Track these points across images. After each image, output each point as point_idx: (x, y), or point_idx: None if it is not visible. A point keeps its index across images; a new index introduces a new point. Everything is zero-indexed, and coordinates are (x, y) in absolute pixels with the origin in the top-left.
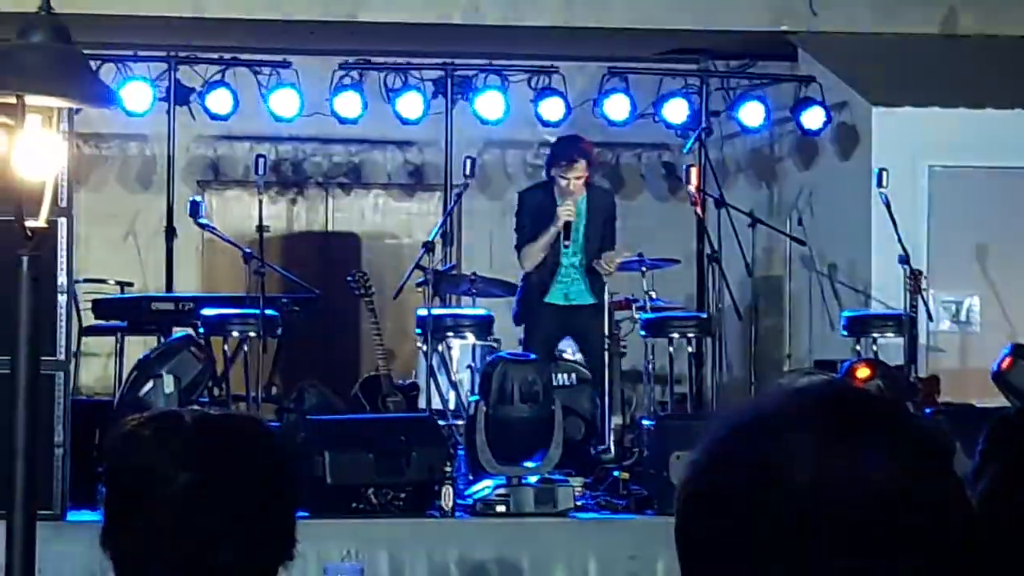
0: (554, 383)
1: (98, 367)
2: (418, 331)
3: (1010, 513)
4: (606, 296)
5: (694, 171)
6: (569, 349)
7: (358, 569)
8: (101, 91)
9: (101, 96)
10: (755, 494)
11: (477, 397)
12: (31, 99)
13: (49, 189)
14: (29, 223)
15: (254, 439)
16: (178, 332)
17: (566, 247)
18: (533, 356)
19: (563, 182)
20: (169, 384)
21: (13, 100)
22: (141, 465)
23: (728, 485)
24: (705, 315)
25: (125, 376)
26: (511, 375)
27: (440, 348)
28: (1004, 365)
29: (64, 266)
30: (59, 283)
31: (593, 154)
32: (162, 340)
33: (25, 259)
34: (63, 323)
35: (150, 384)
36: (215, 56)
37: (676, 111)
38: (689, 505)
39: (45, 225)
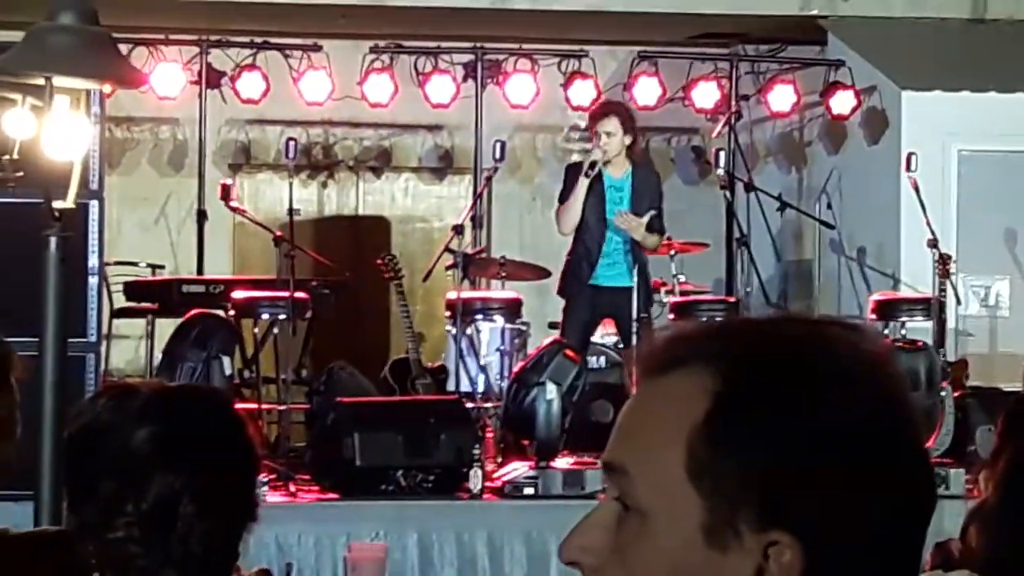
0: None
1: (130, 349)
2: (447, 314)
3: None
4: (647, 276)
5: (722, 155)
6: (599, 332)
7: (381, 548)
8: (129, 73)
9: (129, 78)
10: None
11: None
12: (59, 80)
13: (77, 171)
14: (57, 204)
15: (212, 403)
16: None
17: (586, 176)
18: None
19: (595, 140)
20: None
21: (42, 82)
22: (101, 424)
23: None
24: (733, 299)
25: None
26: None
27: (469, 331)
28: None
29: (95, 248)
30: (90, 265)
31: (627, 114)
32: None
33: (53, 240)
34: (94, 305)
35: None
36: (246, 40)
37: (706, 95)
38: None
39: (73, 206)
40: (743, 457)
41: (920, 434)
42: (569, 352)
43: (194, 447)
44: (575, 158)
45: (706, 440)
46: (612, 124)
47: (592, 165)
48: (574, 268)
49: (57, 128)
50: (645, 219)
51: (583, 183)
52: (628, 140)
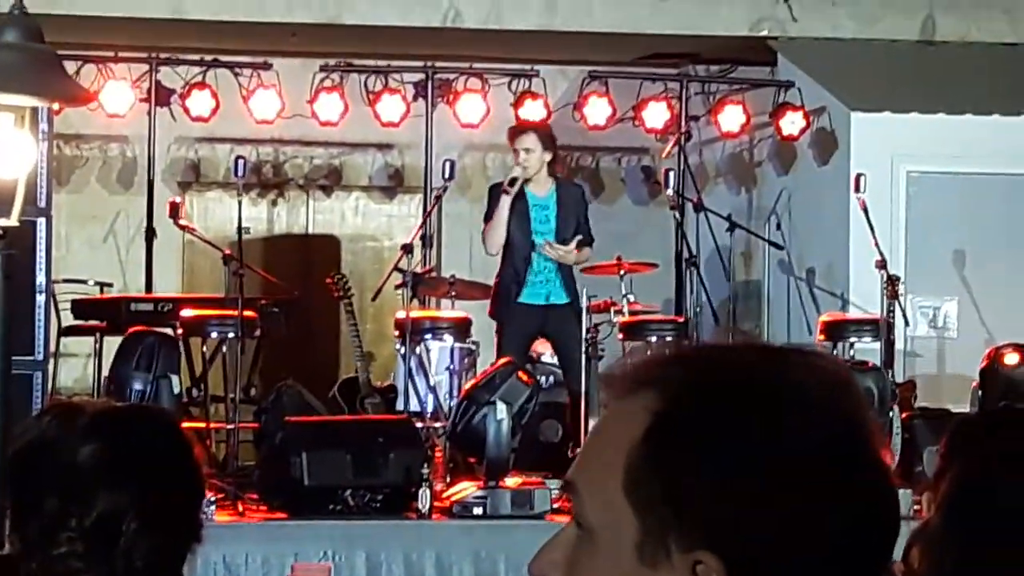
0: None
1: (78, 367)
2: (396, 333)
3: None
4: (583, 298)
5: (672, 175)
6: (547, 351)
7: (325, 568)
8: (75, 91)
9: (75, 96)
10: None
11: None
12: (2, 98)
13: (21, 188)
14: (1, 222)
15: (158, 423)
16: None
17: (506, 193)
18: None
19: (517, 156)
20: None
21: None
22: (46, 441)
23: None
24: (683, 319)
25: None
26: None
27: (418, 350)
28: None
29: (43, 266)
30: (38, 283)
31: (545, 131)
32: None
33: None
34: (41, 323)
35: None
36: (196, 58)
37: (656, 115)
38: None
39: (17, 224)
40: (676, 476)
41: (880, 455)
42: (522, 374)
43: (140, 465)
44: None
45: (642, 458)
46: (530, 140)
47: (512, 182)
48: (503, 289)
49: (1, 146)
50: (572, 245)
51: (505, 201)
52: (548, 157)
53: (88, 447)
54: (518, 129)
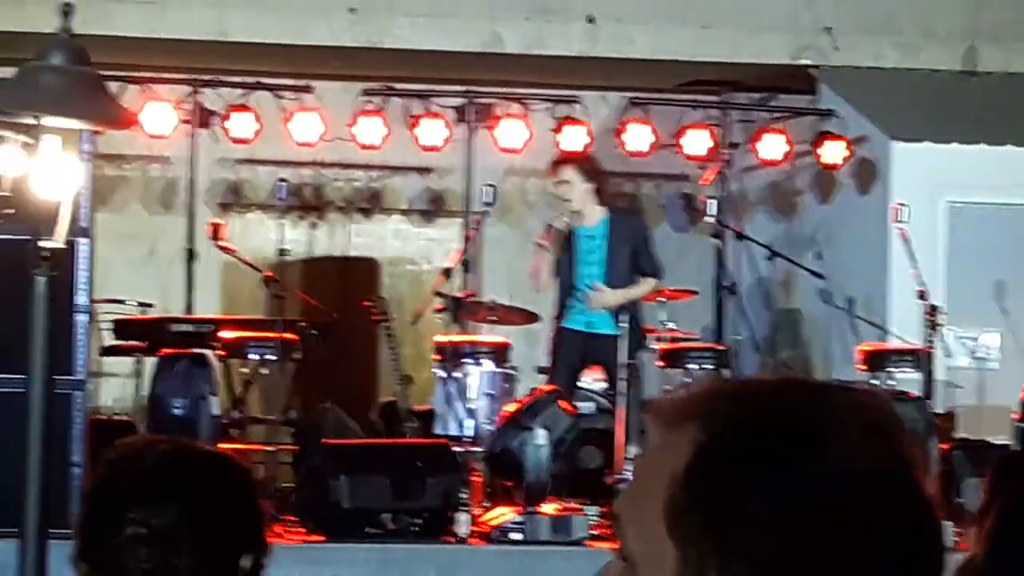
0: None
1: (117, 387)
2: (436, 357)
3: (1016, 548)
4: (637, 321)
5: (712, 203)
6: (588, 377)
7: None
8: (119, 113)
9: (119, 118)
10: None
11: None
12: (48, 120)
13: (66, 210)
14: (46, 243)
15: (231, 464)
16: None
17: (541, 246)
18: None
19: (556, 190)
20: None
21: (31, 121)
22: (134, 451)
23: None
24: (723, 346)
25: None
26: None
27: (457, 375)
28: None
29: (84, 286)
30: (78, 303)
31: (586, 162)
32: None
33: (41, 279)
34: (82, 343)
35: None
36: (238, 80)
37: (697, 142)
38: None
39: (62, 246)
40: (717, 509)
41: (925, 489)
42: (564, 403)
43: (209, 495)
44: None
45: (683, 491)
46: (568, 172)
47: (553, 230)
48: (556, 315)
49: (47, 168)
50: (619, 292)
51: (543, 247)
52: (590, 187)
53: (164, 459)
54: (557, 161)
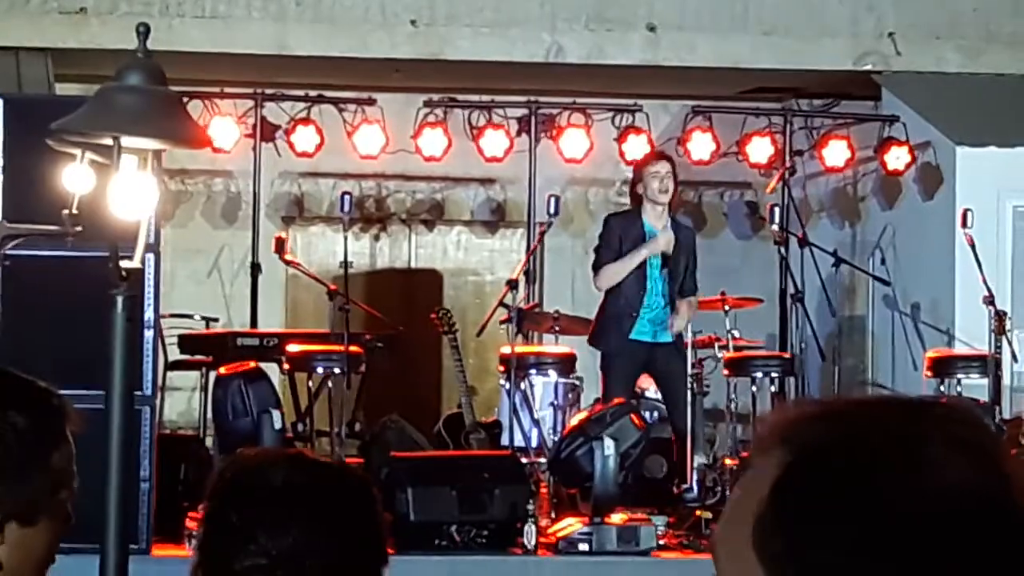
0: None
1: (182, 401)
2: (501, 368)
3: None
4: (689, 334)
5: (777, 210)
6: (651, 387)
7: None
8: (195, 133)
9: (196, 138)
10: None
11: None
12: (127, 140)
13: (144, 230)
14: (124, 264)
15: (356, 477)
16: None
17: (662, 274)
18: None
19: (654, 181)
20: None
21: (109, 141)
22: (253, 464)
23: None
24: (788, 355)
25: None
26: None
27: (523, 385)
28: None
29: (151, 301)
30: (146, 318)
31: (674, 161)
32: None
33: (120, 299)
34: (150, 358)
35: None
36: (301, 93)
37: (760, 150)
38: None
39: (140, 266)
40: (801, 532)
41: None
42: (636, 418)
43: (335, 511)
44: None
45: (768, 514)
46: (667, 167)
47: (664, 260)
48: (614, 321)
49: (125, 188)
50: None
51: (641, 253)
52: (673, 188)
53: (289, 476)
54: (656, 155)
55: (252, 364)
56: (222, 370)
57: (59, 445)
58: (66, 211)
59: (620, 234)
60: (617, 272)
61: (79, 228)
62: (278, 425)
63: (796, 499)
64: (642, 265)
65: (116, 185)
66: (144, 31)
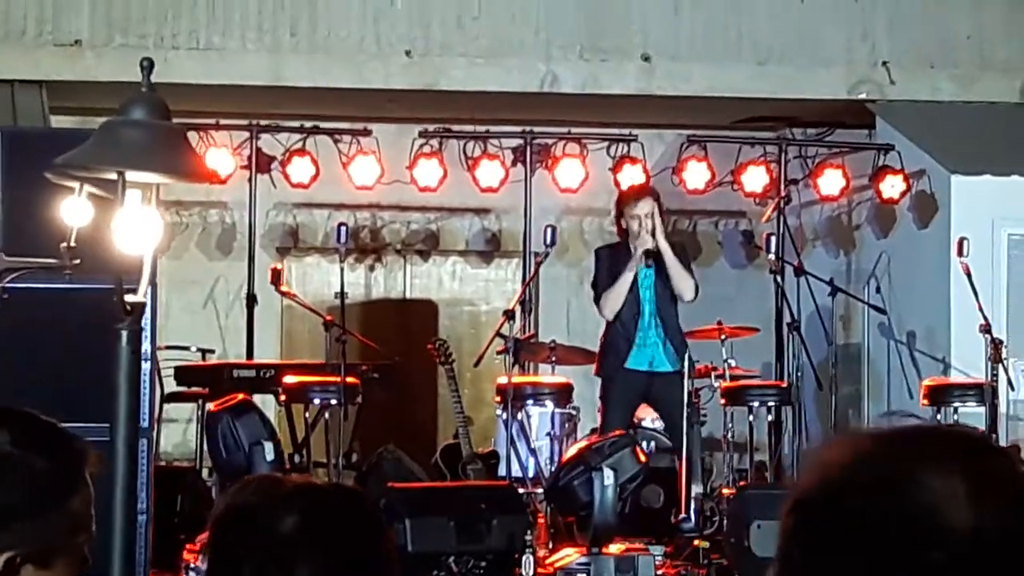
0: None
1: (177, 433)
2: (497, 399)
3: None
4: (686, 363)
5: (773, 239)
6: (648, 416)
7: None
8: (200, 167)
9: (199, 173)
10: (899, 532)
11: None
12: (131, 175)
13: (148, 263)
14: (128, 298)
15: (357, 503)
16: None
17: (648, 266)
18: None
19: (634, 223)
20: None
21: (110, 175)
22: (249, 508)
23: (857, 520)
24: (785, 384)
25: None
26: None
27: (519, 416)
28: None
29: (148, 334)
30: (143, 350)
31: (656, 193)
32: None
33: (124, 333)
34: (146, 391)
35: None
36: (296, 124)
37: (754, 179)
38: (803, 540)
39: (144, 300)
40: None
41: None
42: (639, 451)
43: (339, 542)
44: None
45: (780, 558)
46: (648, 205)
47: (648, 255)
48: (612, 349)
49: (129, 222)
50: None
51: (631, 271)
52: (661, 219)
53: (290, 519)
54: (635, 194)
55: (239, 397)
56: (211, 407)
57: (78, 489)
58: (64, 244)
59: (609, 265)
60: (617, 295)
61: (77, 261)
62: (270, 457)
63: (794, 545)
64: (635, 289)
65: (120, 220)
66: (148, 65)
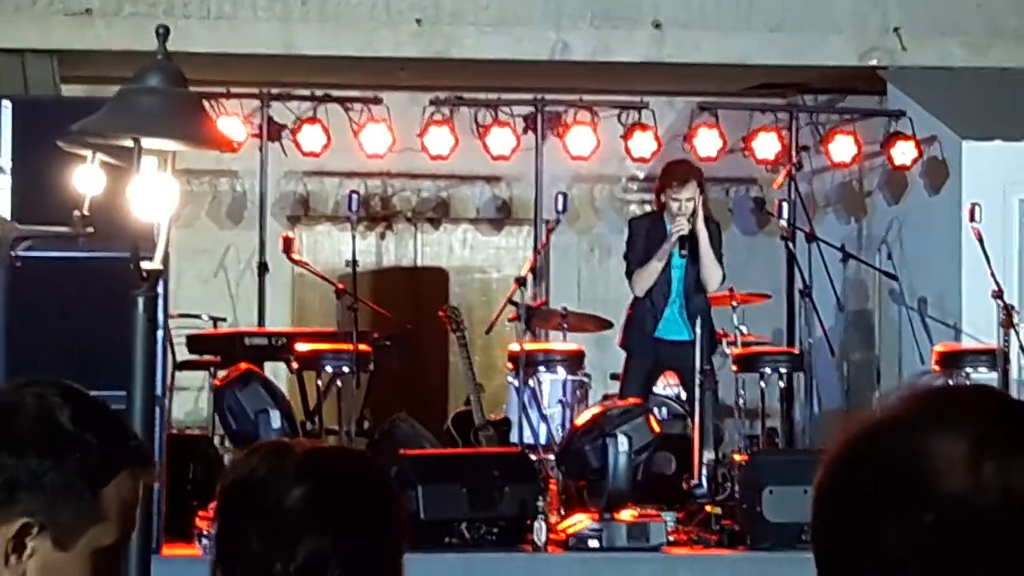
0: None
1: (189, 401)
2: (509, 366)
3: None
4: (698, 329)
5: (784, 206)
6: (661, 383)
7: None
8: (216, 134)
9: (215, 140)
10: (898, 498)
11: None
12: (147, 142)
13: (164, 231)
14: (144, 265)
15: (365, 468)
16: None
17: (683, 256)
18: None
19: (674, 204)
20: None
21: (122, 142)
22: (256, 479)
23: (869, 486)
24: (797, 351)
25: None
26: None
27: (531, 383)
28: None
29: (160, 302)
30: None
31: (701, 175)
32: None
33: (140, 300)
34: (160, 359)
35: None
36: (307, 93)
37: (766, 146)
38: (825, 505)
39: (160, 267)
40: (824, 549)
41: None
42: (652, 420)
43: (346, 512)
44: (633, 209)
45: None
46: (692, 189)
47: (683, 242)
48: (638, 321)
49: (145, 189)
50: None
51: (666, 251)
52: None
53: (297, 490)
54: (681, 177)
55: (242, 367)
56: (215, 382)
57: (116, 480)
58: (77, 212)
59: (644, 237)
60: (649, 274)
61: (91, 229)
62: (276, 424)
63: (817, 522)
64: (667, 270)
65: (136, 187)
66: (164, 33)
